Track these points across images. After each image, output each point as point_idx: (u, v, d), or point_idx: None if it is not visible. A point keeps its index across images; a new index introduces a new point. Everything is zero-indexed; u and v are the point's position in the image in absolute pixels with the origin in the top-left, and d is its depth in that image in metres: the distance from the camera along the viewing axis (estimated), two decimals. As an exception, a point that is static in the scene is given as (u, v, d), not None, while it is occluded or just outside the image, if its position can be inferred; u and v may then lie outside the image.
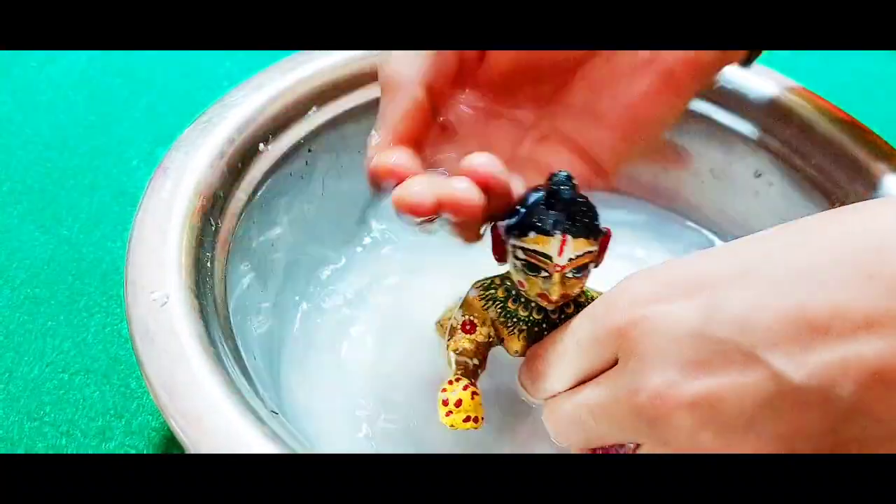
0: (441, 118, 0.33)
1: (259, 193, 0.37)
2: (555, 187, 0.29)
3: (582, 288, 0.31)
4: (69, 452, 0.36)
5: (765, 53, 0.38)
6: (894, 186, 0.37)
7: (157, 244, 0.32)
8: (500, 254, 0.31)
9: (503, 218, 0.30)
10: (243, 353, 0.32)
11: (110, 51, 0.57)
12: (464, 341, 0.33)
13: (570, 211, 0.29)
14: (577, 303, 0.32)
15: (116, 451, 0.37)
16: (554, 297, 0.30)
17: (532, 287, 0.30)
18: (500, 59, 0.33)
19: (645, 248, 0.45)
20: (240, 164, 0.37)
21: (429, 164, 0.32)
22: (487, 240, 0.31)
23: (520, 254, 0.30)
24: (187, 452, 0.27)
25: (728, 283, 0.25)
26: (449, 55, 0.32)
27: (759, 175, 0.42)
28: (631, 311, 0.27)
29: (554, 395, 0.30)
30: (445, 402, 0.31)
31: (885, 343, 0.22)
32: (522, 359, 0.32)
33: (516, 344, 0.32)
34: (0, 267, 0.44)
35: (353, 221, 0.44)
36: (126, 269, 0.31)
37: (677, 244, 0.45)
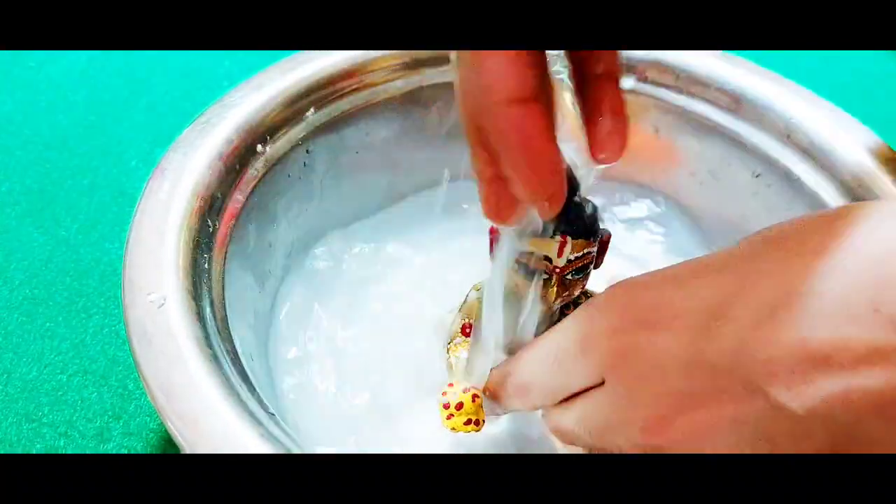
0: None
1: (257, 194, 0.37)
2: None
3: (582, 289, 0.31)
4: (67, 453, 0.36)
5: (765, 53, 0.38)
6: (891, 187, 0.37)
7: (154, 245, 0.32)
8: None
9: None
10: (240, 355, 0.31)
11: (110, 51, 0.57)
12: (464, 344, 0.32)
13: (570, 212, 0.29)
14: (577, 304, 0.32)
15: (114, 452, 0.37)
16: (553, 300, 0.30)
17: (531, 289, 0.30)
18: None
19: (645, 248, 0.45)
20: (238, 166, 0.36)
21: None
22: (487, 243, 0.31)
23: (519, 256, 0.29)
24: (184, 453, 0.27)
25: (723, 308, 0.24)
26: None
27: (758, 175, 0.42)
28: (617, 338, 0.25)
29: (546, 408, 0.30)
30: (446, 406, 0.31)
31: (888, 376, 0.22)
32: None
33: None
34: (-2, 267, 0.44)
35: (352, 222, 0.44)
36: (124, 271, 0.31)
37: (677, 244, 0.45)
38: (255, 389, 0.30)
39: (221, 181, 0.35)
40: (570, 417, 0.28)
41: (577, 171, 0.30)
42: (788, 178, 0.41)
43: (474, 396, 0.32)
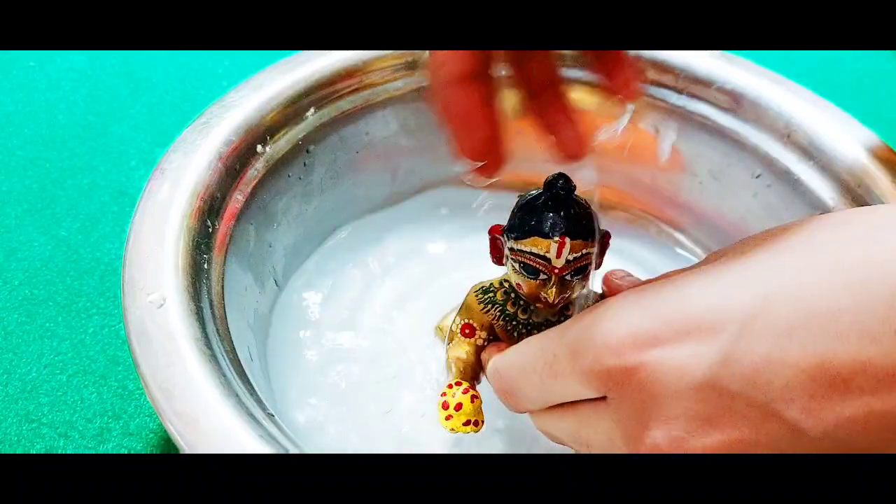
0: None
1: (257, 195, 0.37)
2: (552, 189, 0.29)
3: (582, 290, 0.31)
4: (67, 453, 0.36)
5: (765, 53, 0.38)
6: (891, 187, 0.37)
7: (154, 246, 0.32)
8: (498, 257, 0.31)
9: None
10: (240, 355, 0.31)
11: (109, 51, 0.57)
12: (463, 345, 0.32)
13: (568, 213, 0.29)
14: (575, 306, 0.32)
15: (114, 453, 0.37)
16: (552, 300, 0.30)
17: (531, 290, 0.30)
18: None
19: (645, 249, 0.45)
20: (238, 166, 0.37)
21: None
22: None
23: (518, 256, 0.29)
24: (184, 453, 0.27)
25: (738, 327, 0.23)
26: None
27: (758, 176, 0.42)
28: (626, 354, 0.24)
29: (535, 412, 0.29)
30: (445, 406, 0.31)
31: None
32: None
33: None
34: (-2, 268, 0.44)
35: (352, 222, 0.44)
36: (123, 271, 0.31)
37: (677, 245, 0.45)
38: (254, 390, 0.30)
39: (221, 181, 0.35)
40: (564, 428, 0.27)
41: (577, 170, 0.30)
42: (788, 179, 0.41)
43: (473, 397, 0.32)
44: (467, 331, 0.32)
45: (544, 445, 0.31)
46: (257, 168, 0.37)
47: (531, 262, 0.29)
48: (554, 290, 0.29)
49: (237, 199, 0.36)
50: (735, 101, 0.42)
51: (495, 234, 0.30)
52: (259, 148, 0.38)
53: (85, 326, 0.41)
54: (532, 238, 0.29)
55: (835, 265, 0.22)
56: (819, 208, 0.39)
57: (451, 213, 0.45)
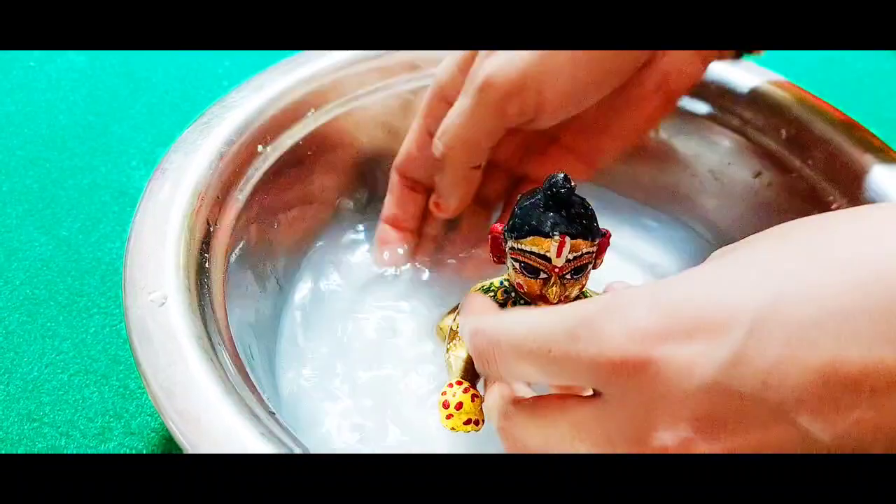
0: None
1: (257, 194, 0.37)
2: (552, 189, 0.29)
3: (581, 289, 0.31)
4: (68, 453, 0.36)
5: (764, 53, 0.38)
6: (891, 187, 0.37)
7: (155, 245, 0.32)
8: (498, 256, 0.31)
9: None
10: (241, 354, 0.32)
11: (110, 51, 0.57)
12: (463, 344, 0.32)
13: (568, 212, 0.29)
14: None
15: (115, 452, 0.37)
16: (553, 300, 0.30)
17: (531, 289, 0.30)
18: (548, 121, 0.37)
19: (645, 249, 0.45)
20: (238, 166, 0.37)
21: None
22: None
23: (518, 256, 0.29)
24: (186, 453, 0.27)
25: (749, 326, 0.22)
26: (498, 134, 0.37)
27: (758, 175, 0.42)
28: (631, 348, 0.23)
29: (509, 409, 0.27)
30: (446, 405, 0.31)
31: None
32: None
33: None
34: (-1, 267, 0.44)
35: (353, 222, 0.44)
36: (124, 270, 0.31)
37: (677, 244, 0.45)
38: (255, 388, 0.30)
39: (222, 181, 0.35)
40: (553, 435, 0.25)
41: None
42: (789, 178, 0.41)
43: (474, 396, 0.32)
44: (468, 330, 0.32)
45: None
46: (258, 168, 0.38)
47: (531, 262, 0.29)
48: (554, 289, 0.29)
49: (238, 198, 0.36)
50: (735, 100, 0.42)
51: (496, 233, 0.31)
52: (260, 148, 0.38)
53: (86, 326, 0.41)
54: (532, 237, 0.29)
55: (847, 263, 0.22)
56: (819, 207, 0.39)
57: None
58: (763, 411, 0.22)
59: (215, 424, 0.27)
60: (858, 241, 0.23)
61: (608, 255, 0.31)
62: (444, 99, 0.38)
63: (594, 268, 0.31)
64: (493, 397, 0.28)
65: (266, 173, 0.38)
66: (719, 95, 0.42)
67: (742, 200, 0.43)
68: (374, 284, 0.42)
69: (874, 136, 0.40)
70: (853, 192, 0.38)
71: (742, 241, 0.26)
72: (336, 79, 0.41)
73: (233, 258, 0.35)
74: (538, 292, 0.30)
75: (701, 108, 0.43)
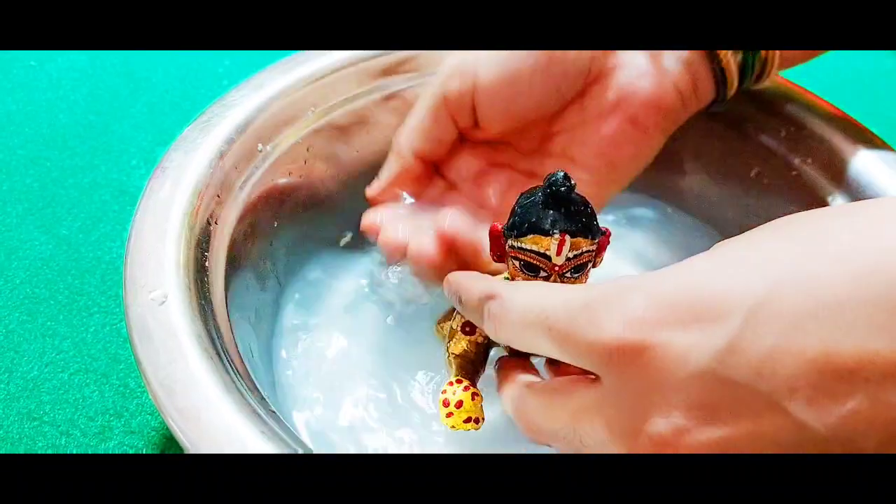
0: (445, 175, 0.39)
1: (258, 193, 0.37)
2: (552, 187, 0.29)
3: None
4: (69, 451, 0.36)
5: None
6: (890, 185, 0.37)
7: (155, 244, 0.32)
8: (498, 254, 0.31)
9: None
10: (241, 352, 0.32)
11: (110, 50, 0.58)
12: (463, 343, 0.32)
13: (568, 211, 0.29)
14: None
15: (116, 451, 0.37)
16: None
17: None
18: (492, 122, 0.37)
19: (645, 247, 0.45)
20: (239, 164, 0.37)
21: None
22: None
23: (518, 254, 0.29)
24: (186, 451, 0.27)
25: (744, 315, 0.22)
26: (445, 127, 0.37)
27: (758, 173, 0.42)
28: (627, 334, 0.23)
29: (520, 388, 0.29)
30: (446, 403, 0.31)
31: None
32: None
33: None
34: None
35: (353, 220, 0.44)
36: (125, 269, 0.31)
37: (678, 242, 0.45)
38: (255, 386, 0.30)
39: (222, 180, 0.35)
40: (561, 420, 0.26)
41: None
42: (788, 176, 0.41)
43: (474, 395, 0.32)
44: (468, 328, 0.32)
45: (546, 447, 0.31)
46: (258, 166, 0.38)
47: (531, 260, 0.29)
48: (554, 287, 0.29)
49: (238, 197, 0.36)
50: (734, 99, 0.42)
51: (496, 231, 0.31)
52: (260, 146, 0.38)
53: (86, 325, 0.41)
54: (532, 236, 0.29)
55: (843, 255, 0.22)
56: (818, 205, 0.39)
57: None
58: (757, 400, 0.22)
59: (215, 423, 0.27)
60: (854, 234, 0.23)
61: (607, 254, 0.31)
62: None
63: (594, 266, 0.31)
64: (508, 384, 0.30)
65: (266, 172, 0.38)
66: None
67: (741, 199, 0.43)
68: (374, 283, 0.42)
69: (874, 134, 0.40)
70: (853, 190, 0.38)
71: (740, 234, 0.26)
72: (336, 77, 0.41)
73: (233, 257, 0.35)
74: None
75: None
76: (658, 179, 0.45)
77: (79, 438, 0.37)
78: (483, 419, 0.32)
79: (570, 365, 0.26)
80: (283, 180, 0.39)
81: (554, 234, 0.28)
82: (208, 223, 0.34)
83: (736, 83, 0.37)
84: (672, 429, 0.22)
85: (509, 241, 0.30)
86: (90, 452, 0.36)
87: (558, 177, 0.29)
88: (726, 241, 0.26)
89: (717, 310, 0.22)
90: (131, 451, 0.37)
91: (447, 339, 0.33)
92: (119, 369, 0.40)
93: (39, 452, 0.36)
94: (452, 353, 0.33)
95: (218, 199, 0.35)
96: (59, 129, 0.52)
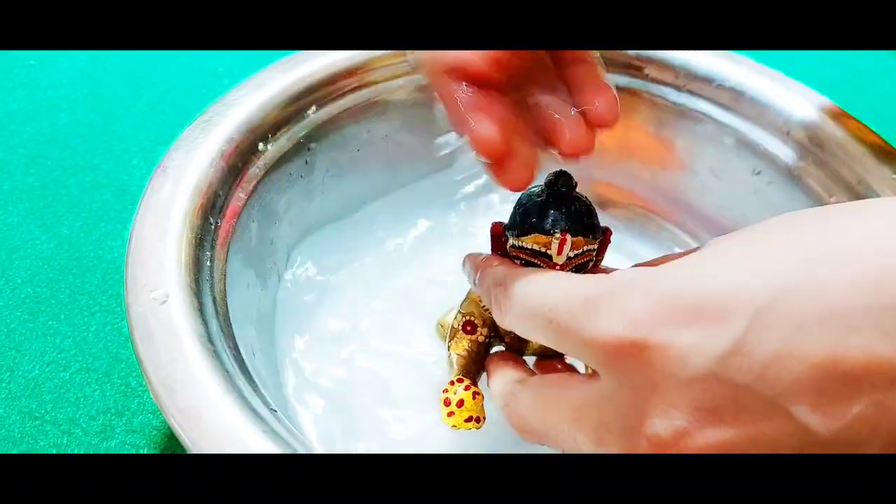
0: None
1: (258, 192, 0.37)
2: (554, 186, 0.29)
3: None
4: (70, 451, 0.36)
5: (764, 53, 0.38)
6: (890, 184, 0.37)
7: (157, 243, 0.32)
8: (499, 253, 0.31)
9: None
10: (242, 351, 0.32)
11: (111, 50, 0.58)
12: (465, 342, 0.33)
13: (569, 210, 0.29)
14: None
15: (117, 450, 0.37)
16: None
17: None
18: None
19: (646, 246, 0.45)
20: (240, 164, 0.37)
21: None
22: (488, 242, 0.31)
23: (519, 253, 0.29)
24: (187, 450, 0.27)
25: (749, 317, 0.22)
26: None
27: (758, 173, 0.42)
28: (628, 332, 0.23)
29: (513, 386, 0.28)
30: (447, 403, 0.31)
31: None
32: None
33: (517, 344, 0.32)
34: (1, 266, 0.44)
35: (354, 220, 0.44)
36: (126, 268, 0.31)
37: (678, 242, 0.45)
38: (257, 386, 0.30)
39: (223, 179, 0.35)
40: (556, 417, 0.26)
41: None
42: (789, 175, 0.41)
43: (475, 394, 0.32)
44: (469, 327, 0.32)
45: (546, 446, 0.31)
46: (259, 166, 0.38)
47: (532, 259, 0.29)
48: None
49: (239, 196, 0.36)
50: (735, 99, 0.42)
51: (497, 230, 0.31)
52: (261, 146, 0.38)
53: (87, 324, 0.41)
54: (533, 235, 0.29)
55: (850, 257, 0.22)
56: (819, 205, 0.39)
57: (452, 210, 0.45)
58: (760, 403, 0.21)
59: (216, 422, 0.27)
60: (861, 235, 0.22)
61: (608, 254, 0.31)
62: None
63: (595, 265, 0.31)
64: (498, 382, 0.29)
65: (267, 171, 0.38)
66: (720, 92, 0.42)
67: (742, 198, 0.43)
68: (375, 282, 0.42)
69: (874, 133, 0.40)
70: (853, 189, 0.38)
71: (740, 230, 0.25)
72: (337, 76, 0.41)
73: (234, 256, 0.35)
74: None
75: (700, 105, 0.43)
76: (659, 179, 0.45)
77: (80, 437, 0.37)
78: (484, 418, 0.32)
79: (556, 362, 0.26)
80: (283, 180, 0.39)
81: (555, 233, 0.28)
82: (209, 222, 0.34)
83: None
84: (671, 430, 0.22)
85: (510, 241, 0.30)
86: (92, 451, 0.37)
87: (559, 176, 0.29)
88: (725, 236, 0.25)
89: (721, 310, 0.22)
90: (133, 450, 0.37)
91: (448, 339, 0.33)
92: (120, 368, 0.40)
93: (41, 451, 0.36)
94: (454, 353, 0.33)
95: (219, 198, 0.35)
96: (60, 129, 0.52)
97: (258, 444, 0.27)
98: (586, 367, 0.29)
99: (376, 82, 0.42)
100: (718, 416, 0.22)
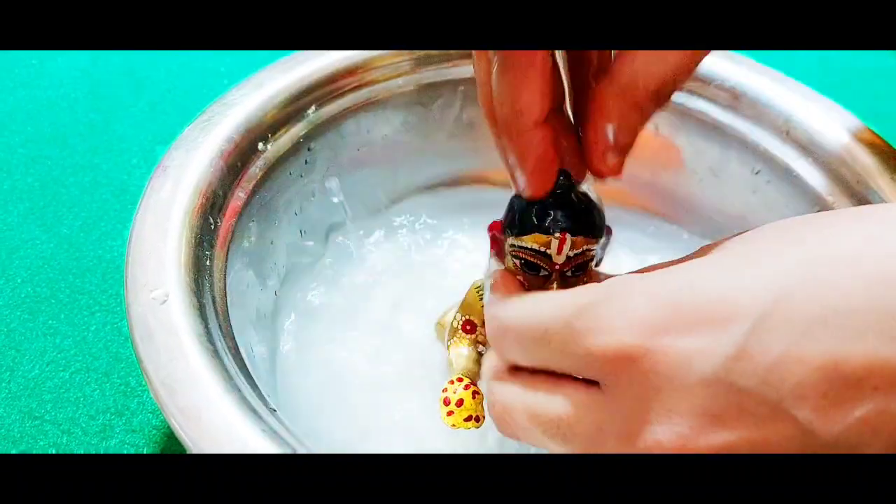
0: None
1: (258, 192, 0.37)
2: (554, 185, 0.29)
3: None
4: (70, 450, 0.36)
5: (764, 52, 0.38)
6: (890, 184, 0.37)
7: (157, 243, 0.32)
8: (499, 253, 0.31)
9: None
10: (242, 351, 0.32)
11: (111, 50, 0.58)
12: (464, 341, 0.33)
13: (569, 209, 0.29)
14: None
15: (117, 449, 0.37)
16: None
17: (532, 286, 0.30)
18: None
19: (646, 246, 0.45)
20: (239, 163, 0.37)
21: None
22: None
23: (518, 253, 0.29)
24: (187, 450, 0.27)
25: (752, 321, 0.21)
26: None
27: (758, 172, 0.42)
28: (627, 339, 0.22)
29: (502, 373, 0.27)
30: (447, 402, 0.31)
31: None
32: None
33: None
34: (1, 265, 0.44)
35: (353, 220, 0.44)
36: (126, 268, 0.31)
37: (678, 242, 0.45)
38: (256, 385, 0.30)
39: (223, 179, 0.35)
40: (545, 415, 0.25)
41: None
42: (788, 175, 0.41)
43: (475, 393, 0.32)
44: (468, 327, 0.33)
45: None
46: (259, 166, 0.38)
47: (532, 259, 0.29)
48: (555, 286, 0.29)
49: (239, 196, 0.36)
50: (734, 98, 0.42)
51: (496, 230, 0.31)
52: (261, 145, 0.38)
53: (87, 324, 0.41)
54: (533, 234, 0.29)
55: (853, 262, 0.22)
56: (818, 204, 0.39)
57: (452, 210, 0.45)
58: (763, 407, 0.21)
59: (216, 421, 0.27)
60: (860, 239, 0.22)
61: (608, 253, 0.31)
62: None
63: (596, 265, 0.31)
64: (491, 359, 0.28)
65: (267, 171, 0.38)
66: (719, 92, 0.42)
67: (741, 198, 0.43)
68: (375, 282, 0.42)
69: (874, 132, 0.40)
70: (852, 189, 0.38)
71: (737, 235, 0.25)
72: (337, 76, 0.41)
73: (234, 256, 0.35)
74: (539, 290, 0.30)
75: (700, 105, 0.43)
76: (658, 178, 0.45)
77: (80, 437, 0.37)
78: (484, 417, 0.32)
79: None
80: (283, 179, 0.39)
81: (554, 232, 0.28)
82: (209, 222, 0.34)
83: None
84: (673, 436, 0.22)
85: (509, 240, 0.30)
86: (91, 451, 0.37)
87: (560, 175, 0.29)
88: (724, 240, 0.25)
89: (723, 315, 0.22)
90: (133, 450, 0.37)
91: (447, 338, 0.33)
92: (120, 368, 0.40)
93: (41, 451, 0.36)
94: (453, 352, 0.33)
95: (219, 198, 0.35)
96: (60, 128, 0.52)
97: (258, 443, 0.27)
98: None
99: (376, 82, 0.42)
100: (721, 421, 0.22)
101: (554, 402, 0.25)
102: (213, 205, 0.34)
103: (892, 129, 0.41)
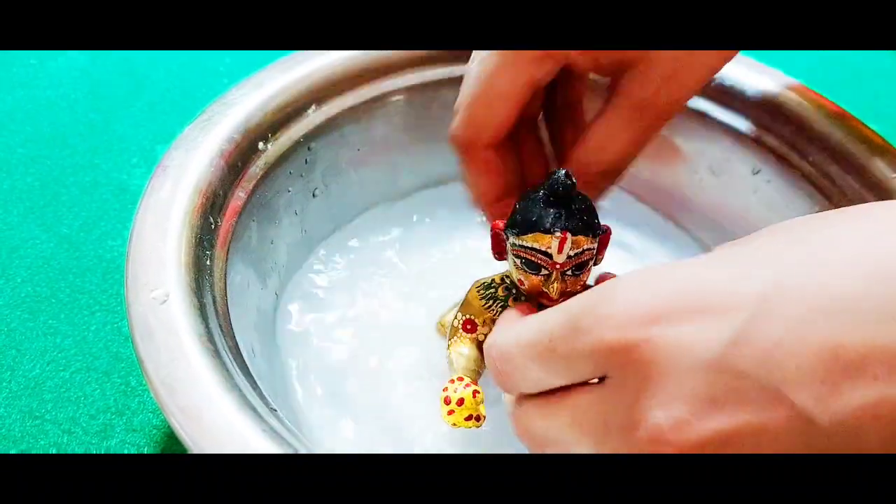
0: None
1: (259, 192, 0.37)
2: (554, 185, 0.29)
3: (582, 286, 0.31)
4: (70, 450, 0.36)
5: (764, 52, 0.38)
6: (890, 183, 0.37)
7: (157, 242, 0.32)
8: (499, 252, 0.31)
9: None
10: (242, 351, 0.32)
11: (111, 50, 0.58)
12: (465, 340, 0.33)
13: (570, 209, 0.29)
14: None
15: (118, 449, 0.37)
16: (554, 296, 0.30)
17: (532, 285, 0.30)
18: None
19: (646, 245, 0.45)
20: (240, 163, 0.37)
21: None
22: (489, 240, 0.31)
23: (519, 252, 0.30)
24: (188, 449, 0.27)
25: (751, 309, 0.22)
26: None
27: (758, 172, 0.42)
28: (629, 330, 0.23)
29: (521, 398, 0.28)
30: (447, 401, 0.31)
31: None
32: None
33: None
34: (1, 265, 0.44)
35: (354, 219, 0.44)
36: (126, 267, 0.31)
37: (678, 241, 0.45)
38: (257, 385, 0.30)
39: (223, 179, 0.35)
40: (555, 423, 0.26)
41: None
42: (788, 174, 0.41)
43: (475, 392, 0.32)
44: (469, 326, 0.33)
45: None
46: (259, 165, 0.38)
47: (532, 258, 0.29)
48: (555, 285, 0.29)
49: (239, 195, 0.36)
50: (735, 98, 0.42)
51: (497, 229, 0.31)
52: (261, 145, 0.38)
53: (88, 323, 0.41)
54: (533, 234, 0.29)
55: (853, 260, 0.22)
56: (819, 204, 0.39)
57: (452, 209, 0.45)
58: (762, 392, 0.22)
59: (217, 421, 0.27)
60: (861, 238, 0.23)
61: (608, 252, 0.31)
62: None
63: (595, 264, 0.31)
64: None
65: (267, 170, 0.38)
66: (718, 92, 0.42)
67: (742, 197, 0.43)
68: (375, 282, 0.42)
69: (874, 132, 0.40)
70: (853, 189, 0.38)
71: (742, 238, 0.26)
72: (337, 75, 0.41)
73: (234, 255, 0.35)
74: (539, 289, 0.30)
75: (700, 104, 0.43)
76: (659, 178, 0.45)
77: (80, 436, 0.37)
78: (484, 417, 0.32)
79: None
80: (283, 179, 0.39)
81: (555, 232, 0.28)
82: (209, 222, 0.34)
83: None
84: (671, 421, 0.22)
85: (510, 239, 0.30)
86: (92, 451, 0.37)
87: (560, 175, 0.29)
88: (725, 244, 0.25)
89: (724, 303, 0.22)
90: (133, 450, 0.37)
91: (448, 337, 0.33)
92: (121, 368, 0.40)
93: (41, 451, 0.36)
94: (454, 351, 0.33)
95: (219, 197, 0.35)
96: (59, 128, 0.52)
97: (258, 443, 0.27)
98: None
99: (376, 81, 0.42)
100: (719, 406, 0.22)
101: (563, 412, 0.26)
102: (213, 204, 0.34)
103: (892, 129, 0.41)
